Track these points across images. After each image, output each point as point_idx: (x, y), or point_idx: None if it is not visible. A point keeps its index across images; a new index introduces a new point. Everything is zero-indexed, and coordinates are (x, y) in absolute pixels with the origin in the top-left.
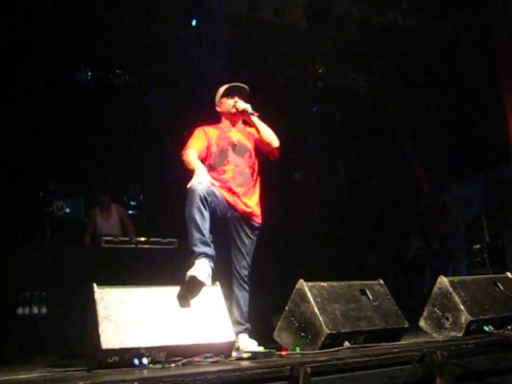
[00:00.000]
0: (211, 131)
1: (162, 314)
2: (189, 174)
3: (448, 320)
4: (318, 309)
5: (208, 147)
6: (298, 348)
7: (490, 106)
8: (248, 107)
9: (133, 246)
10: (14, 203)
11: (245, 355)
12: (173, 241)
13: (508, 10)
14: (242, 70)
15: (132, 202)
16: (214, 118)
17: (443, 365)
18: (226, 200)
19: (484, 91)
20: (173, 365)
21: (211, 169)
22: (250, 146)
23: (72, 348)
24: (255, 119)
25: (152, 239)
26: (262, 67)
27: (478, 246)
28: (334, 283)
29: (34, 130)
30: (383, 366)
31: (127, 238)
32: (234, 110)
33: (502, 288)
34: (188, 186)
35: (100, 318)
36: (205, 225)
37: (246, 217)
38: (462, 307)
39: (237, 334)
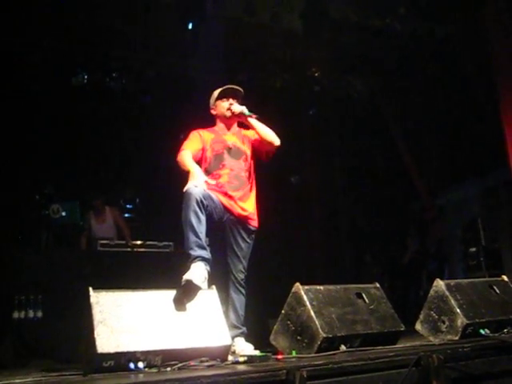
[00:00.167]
0: (206, 135)
1: (158, 317)
2: (185, 177)
3: (444, 323)
4: (314, 312)
5: (203, 151)
6: (294, 352)
7: (486, 109)
8: (244, 109)
9: (129, 249)
10: (10, 206)
11: (241, 359)
12: (169, 244)
13: (503, 12)
14: (239, 73)
15: (128, 205)
16: (210, 121)
17: (439, 368)
18: (222, 203)
19: (480, 94)
20: (168, 369)
21: (207, 173)
22: (245, 149)
23: (67, 352)
24: (253, 121)
25: (148, 242)
26: (259, 71)
27: (474, 249)
28: (330, 287)
29: (30, 134)
30: (379, 370)
31: (123, 242)
32: (229, 113)
33: (498, 291)
34: (184, 190)
35: (95, 322)
36: (201, 228)
37: (243, 220)
38: (458, 310)
39: (233, 338)
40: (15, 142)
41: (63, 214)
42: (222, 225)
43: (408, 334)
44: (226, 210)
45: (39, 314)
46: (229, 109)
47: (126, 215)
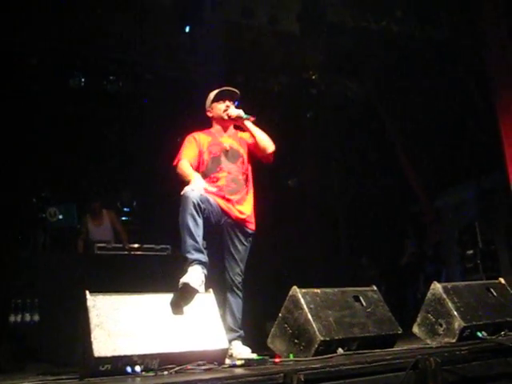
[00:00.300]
0: (202, 138)
1: (155, 321)
2: (183, 180)
3: (441, 326)
4: (312, 315)
5: (200, 154)
6: (291, 355)
7: (483, 112)
8: (241, 113)
9: (126, 252)
10: (7, 209)
11: (238, 362)
12: (166, 247)
13: (499, 15)
14: (236, 76)
15: (125, 209)
16: (207, 124)
17: (437, 371)
18: (220, 206)
19: (476, 97)
20: (166, 372)
21: (204, 176)
22: (242, 151)
23: (64, 356)
24: (249, 124)
25: (145, 246)
26: (256, 73)
27: (471, 252)
28: (328, 290)
29: (27, 136)
30: (377, 373)
31: (120, 245)
32: (226, 116)
33: (495, 294)
34: (182, 193)
35: (92, 326)
36: (198, 231)
37: (240, 223)
38: (455, 313)
39: (230, 341)
40: (12, 145)
41: (60, 217)
42: (220, 228)
43: (405, 336)
44: (224, 212)
45: (36, 317)
46: (225, 111)
47: (123, 218)
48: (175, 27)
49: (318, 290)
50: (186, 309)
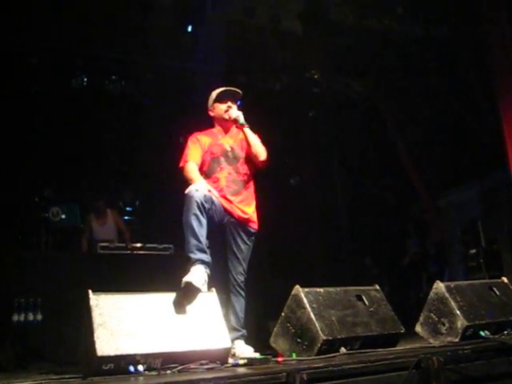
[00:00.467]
0: (204, 138)
1: (158, 320)
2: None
3: (444, 325)
4: (314, 315)
5: (202, 155)
6: (294, 354)
7: (485, 110)
8: (240, 116)
9: (129, 252)
10: (9, 209)
11: (241, 361)
12: (169, 247)
13: (501, 15)
14: (238, 75)
15: (128, 208)
16: (209, 123)
17: (439, 371)
18: (223, 206)
19: (479, 96)
20: (168, 372)
21: (206, 176)
22: (243, 153)
23: (67, 355)
24: (246, 130)
25: (148, 245)
26: (258, 73)
27: (473, 251)
28: (330, 289)
29: (29, 136)
30: (379, 372)
31: (123, 244)
32: (227, 116)
33: (497, 293)
34: (186, 193)
35: (95, 325)
36: (202, 231)
37: (243, 223)
38: (458, 312)
39: (233, 341)
40: (15, 144)
41: (63, 216)
42: (222, 227)
43: (408, 336)
44: (227, 212)
45: (39, 316)
46: (226, 111)
47: (126, 218)
48: (177, 27)
49: (321, 289)
50: (188, 308)
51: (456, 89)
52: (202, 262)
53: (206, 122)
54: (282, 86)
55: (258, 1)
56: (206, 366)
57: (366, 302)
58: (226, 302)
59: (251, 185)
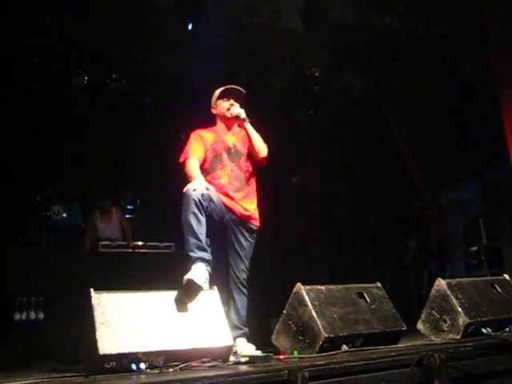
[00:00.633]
0: (206, 135)
1: (160, 318)
2: (186, 177)
3: (446, 322)
4: (316, 312)
5: (205, 152)
6: (295, 352)
7: (486, 107)
8: (241, 113)
9: (130, 250)
10: (10, 208)
11: (243, 359)
12: (170, 245)
13: (503, 14)
14: (238, 73)
15: (129, 206)
16: (210, 122)
17: (441, 368)
18: (224, 203)
19: (480, 93)
20: (170, 369)
21: (207, 173)
22: (245, 150)
23: (69, 353)
24: (247, 126)
25: (149, 243)
26: (258, 71)
27: (475, 248)
28: (332, 286)
29: (30, 135)
30: (381, 370)
31: (125, 243)
32: (229, 114)
33: (499, 290)
34: (183, 191)
35: (97, 324)
36: (201, 230)
37: (245, 220)
38: (459, 309)
39: (234, 339)
40: (16, 143)
41: (64, 215)
42: (223, 225)
43: (410, 333)
44: (228, 209)
45: (41, 315)
46: (229, 109)
47: (127, 216)
48: (178, 25)
49: (323, 287)
50: (190, 306)
51: (457, 86)
52: (203, 260)
53: (206, 120)
54: (282, 84)
55: None
56: (207, 364)
57: (368, 300)
58: (228, 300)
59: (253, 182)
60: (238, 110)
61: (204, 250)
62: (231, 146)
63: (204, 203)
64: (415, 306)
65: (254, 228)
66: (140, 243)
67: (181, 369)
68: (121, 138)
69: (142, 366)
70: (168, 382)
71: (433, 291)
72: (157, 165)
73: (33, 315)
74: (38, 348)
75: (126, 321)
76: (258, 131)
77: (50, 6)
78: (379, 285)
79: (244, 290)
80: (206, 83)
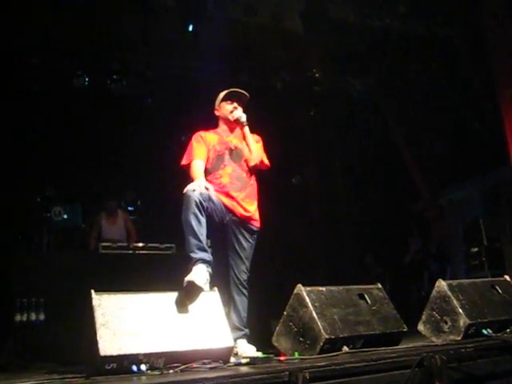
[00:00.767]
0: (209, 136)
1: (160, 319)
2: (187, 178)
3: (446, 323)
4: (317, 313)
5: (207, 153)
6: (296, 353)
7: (487, 108)
8: (242, 117)
9: (131, 251)
10: (11, 209)
11: (243, 361)
12: (171, 246)
13: (503, 15)
14: (239, 74)
15: (130, 208)
16: (211, 123)
17: (442, 369)
18: (224, 204)
19: (480, 94)
20: (171, 371)
21: (208, 173)
22: (246, 151)
23: (70, 355)
24: (246, 131)
25: (150, 245)
26: (259, 71)
27: (476, 249)
28: (332, 288)
29: (31, 136)
30: (382, 371)
31: (125, 244)
32: (231, 117)
33: (500, 291)
34: (184, 192)
35: (98, 325)
36: (201, 230)
37: (245, 221)
38: (460, 311)
39: (235, 340)
40: (17, 144)
41: (65, 216)
42: (224, 226)
43: (410, 334)
44: (228, 210)
45: (41, 316)
46: (232, 112)
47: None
48: (179, 26)
49: (323, 288)
50: (191, 307)
51: (457, 86)
52: (204, 260)
53: (208, 121)
54: (282, 85)
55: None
56: (208, 366)
57: (369, 301)
58: (229, 301)
59: (254, 183)
60: (239, 113)
61: (205, 250)
62: (233, 147)
63: (204, 204)
64: (416, 307)
65: (255, 229)
66: (141, 244)
67: (181, 370)
68: (121, 139)
69: (143, 367)
70: None
71: (433, 292)
72: (157, 166)
73: (33, 316)
74: (39, 349)
75: (126, 322)
76: (258, 132)
77: (50, 6)
78: (380, 286)
79: (244, 291)
80: (206, 84)
